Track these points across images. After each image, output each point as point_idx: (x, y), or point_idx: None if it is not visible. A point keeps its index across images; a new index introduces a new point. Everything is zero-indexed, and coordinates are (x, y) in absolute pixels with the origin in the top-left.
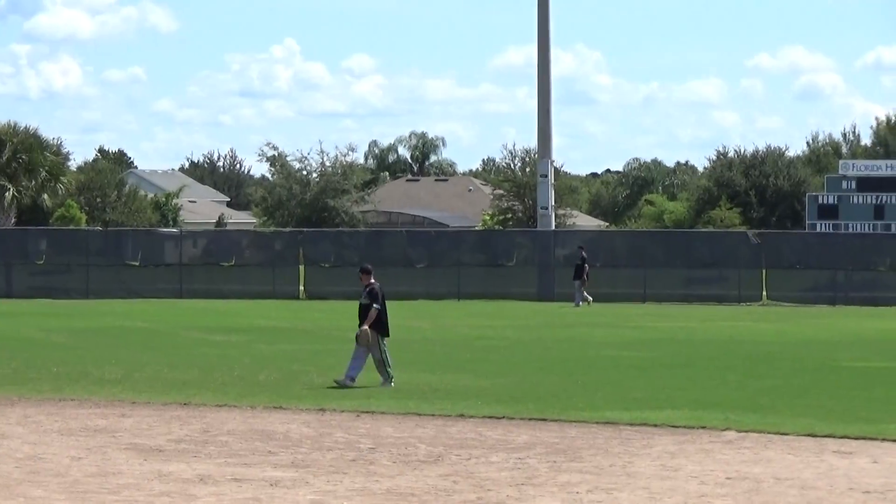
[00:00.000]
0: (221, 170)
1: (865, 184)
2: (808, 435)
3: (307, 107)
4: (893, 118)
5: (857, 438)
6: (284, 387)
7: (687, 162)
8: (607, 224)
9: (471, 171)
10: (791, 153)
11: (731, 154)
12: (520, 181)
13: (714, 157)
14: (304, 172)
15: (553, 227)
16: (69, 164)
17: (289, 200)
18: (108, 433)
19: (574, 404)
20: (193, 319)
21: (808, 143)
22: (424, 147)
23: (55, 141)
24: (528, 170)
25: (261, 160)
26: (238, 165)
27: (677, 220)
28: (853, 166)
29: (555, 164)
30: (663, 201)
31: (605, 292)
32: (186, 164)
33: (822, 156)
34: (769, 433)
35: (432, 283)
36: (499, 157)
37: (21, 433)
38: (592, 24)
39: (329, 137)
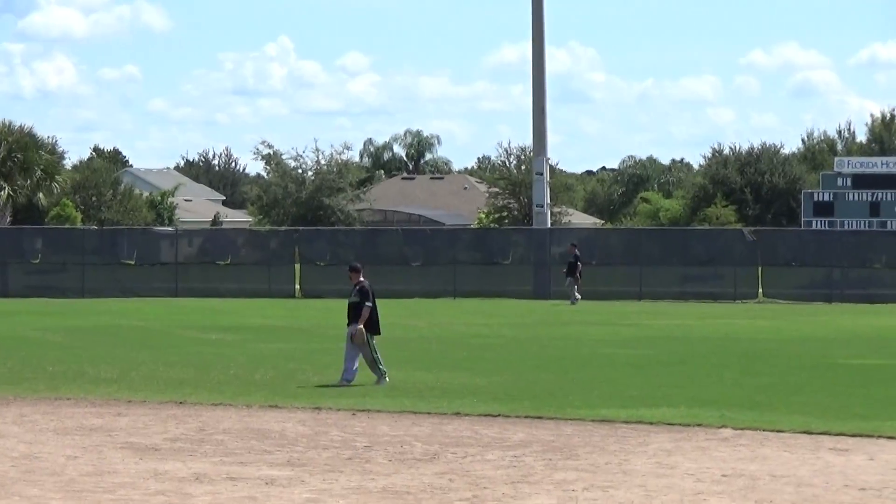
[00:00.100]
0: (217, 168)
1: (861, 181)
2: (804, 432)
3: (302, 105)
4: (888, 115)
5: (853, 436)
6: (280, 385)
7: (682, 159)
8: (603, 222)
9: (466, 169)
10: (786, 150)
11: (726, 151)
12: (515, 179)
13: (709, 155)
14: (300, 171)
15: (549, 225)
16: (64, 162)
17: (284, 199)
18: (104, 432)
19: (570, 402)
20: (189, 318)
21: (803, 140)
22: (420, 145)
23: (50, 140)
24: (523, 168)
25: (256, 158)
26: (233, 164)
27: (673, 217)
28: (848, 163)
29: (550, 161)
30: (659, 199)
31: (600, 290)
32: (181, 163)
33: (818, 153)
34: (765, 430)
35: (428, 282)
36: (494, 154)
37: (17, 432)
38: (587, 22)
39: (324, 136)
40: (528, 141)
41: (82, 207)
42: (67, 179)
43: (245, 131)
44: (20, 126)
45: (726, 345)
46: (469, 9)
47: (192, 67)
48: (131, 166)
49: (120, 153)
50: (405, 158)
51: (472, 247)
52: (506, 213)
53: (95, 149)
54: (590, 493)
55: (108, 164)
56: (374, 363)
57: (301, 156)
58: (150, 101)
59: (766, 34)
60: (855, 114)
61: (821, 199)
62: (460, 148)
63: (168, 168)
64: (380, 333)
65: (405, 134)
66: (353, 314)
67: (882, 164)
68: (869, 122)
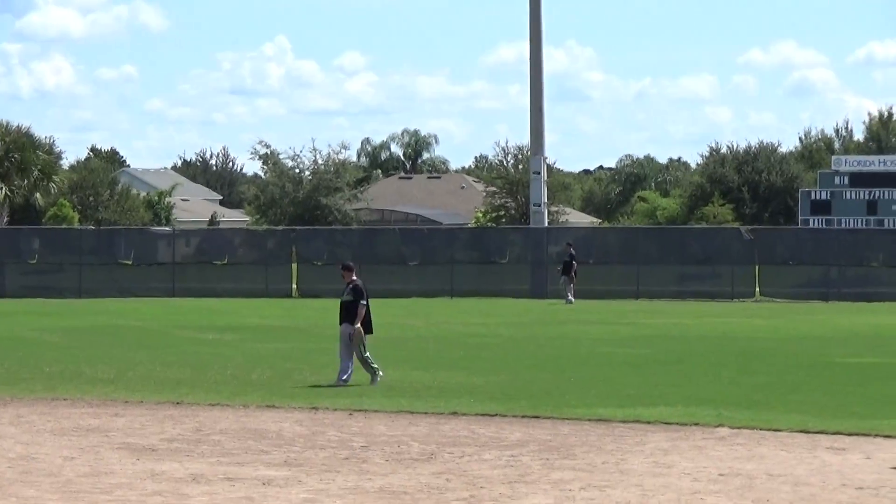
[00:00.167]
0: (214, 168)
1: (858, 179)
2: (801, 431)
3: (299, 105)
4: (886, 113)
5: (850, 434)
6: (277, 385)
7: (679, 158)
8: (600, 221)
9: (463, 168)
10: (784, 149)
11: (723, 150)
12: (512, 178)
13: (707, 154)
14: (297, 170)
15: (546, 224)
16: (61, 163)
17: (281, 198)
18: (101, 433)
19: (567, 401)
20: (186, 318)
21: (800, 138)
22: (417, 144)
23: (47, 140)
24: (520, 167)
25: (253, 158)
26: (230, 163)
27: (670, 216)
28: (846, 162)
29: (547, 160)
30: (656, 198)
31: (598, 289)
32: (179, 163)
33: (815, 151)
34: (762, 429)
35: (425, 281)
36: (491, 154)
37: (13, 433)
38: (584, 21)
39: (321, 135)
40: (525, 140)
41: (79, 207)
42: (65, 179)
43: (242, 131)
44: (17, 126)
45: (723, 344)
46: (467, 8)
47: (189, 67)
48: (128, 166)
49: (117, 153)
50: (402, 158)
51: (470, 246)
52: (503, 213)
53: (93, 149)
54: (587, 492)
55: (106, 164)
56: (365, 362)
57: (298, 155)
58: (148, 100)
59: (764, 33)
60: (852, 112)
61: (818, 197)
62: (458, 147)
63: (165, 168)
64: (372, 332)
65: (402, 133)
66: (347, 313)
67: (879, 162)
68: (866, 120)
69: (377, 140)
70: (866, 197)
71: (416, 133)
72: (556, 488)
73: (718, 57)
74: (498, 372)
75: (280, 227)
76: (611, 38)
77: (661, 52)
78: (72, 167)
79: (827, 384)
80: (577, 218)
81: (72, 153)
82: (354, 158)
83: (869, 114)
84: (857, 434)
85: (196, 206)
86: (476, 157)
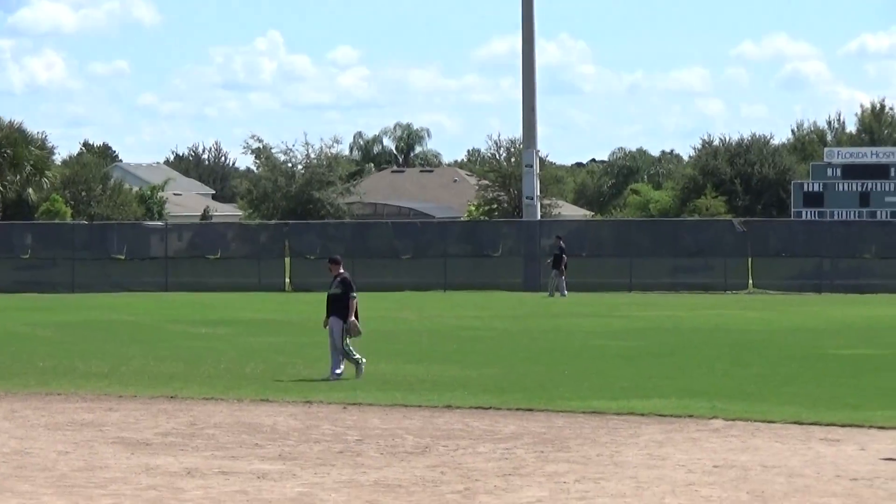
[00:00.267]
0: (206, 162)
1: (850, 171)
2: (795, 423)
3: (292, 99)
4: (878, 105)
5: (844, 426)
6: (271, 379)
7: (672, 151)
8: (593, 213)
9: (456, 161)
10: (776, 141)
11: (716, 142)
12: (505, 171)
13: (699, 146)
14: (289, 164)
15: (538, 217)
16: (54, 158)
17: (274, 193)
18: (95, 427)
19: (561, 394)
20: (179, 312)
21: (792, 130)
22: (409, 138)
23: (40, 135)
24: (513, 160)
25: (245, 153)
26: (223, 158)
27: (663, 208)
28: (838, 154)
29: (540, 153)
30: (648, 190)
31: (591, 282)
32: (171, 157)
33: (807, 144)
34: (756, 421)
35: (418, 274)
36: (484, 147)
37: (7, 428)
38: (577, 14)
39: (314, 129)
40: (517, 133)
41: (72, 202)
42: (57, 174)
43: (235, 125)
44: (10, 121)
45: (717, 336)
46: (459, 2)
47: (181, 62)
48: (121, 161)
49: (109, 148)
50: (395, 151)
51: (462, 239)
52: (496, 206)
53: (85, 144)
54: (581, 484)
55: (98, 158)
56: (348, 356)
57: (291, 150)
58: (140, 95)
59: (756, 25)
60: (845, 104)
61: (811, 189)
62: (450, 141)
63: (158, 163)
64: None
65: (395, 127)
66: (336, 306)
67: (872, 154)
68: (859, 112)
69: (369, 134)
70: (859, 189)
71: (408, 127)
72: (551, 481)
73: (710, 50)
74: (492, 365)
75: (273, 222)
76: (603, 32)
77: (653, 45)
78: (64, 162)
79: (820, 376)
80: (570, 211)
81: (64, 148)
82: (347, 152)
83: (861, 106)
84: (850, 425)
85: (188, 201)
86: (468, 151)
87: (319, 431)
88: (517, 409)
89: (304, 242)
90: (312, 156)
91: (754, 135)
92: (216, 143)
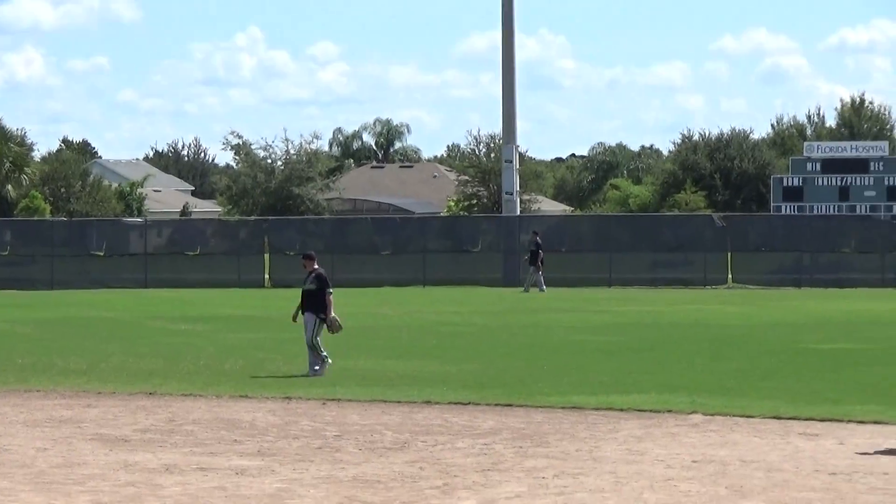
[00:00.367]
0: (186, 159)
1: (830, 165)
2: (774, 417)
3: (271, 95)
4: (858, 99)
5: (822, 420)
6: (250, 375)
7: (652, 146)
8: (572, 209)
9: (436, 157)
10: (756, 136)
11: (695, 137)
12: (485, 167)
13: (679, 141)
14: (269, 160)
15: (518, 213)
16: (33, 154)
17: (253, 189)
18: (74, 424)
19: (540, 389)
20: (158, 309)
21: (772, 125)
22: (389, 134)
23: (19, 132)
24: (492, 155)
25: (225, 149)
26: (202, 154)
27: (642, 203)
28: (818, 148)
29: (519, 149)
30: (628, 185)
31: (570, 277)
32: (151, 154)
33: (787, 138)
34: (735, 416)
35: (398, 270)
36: (463, 142)
37: None
38: (556, 9)
39: (293, 125)
40: (497, 128)
41: (51, 199)
42: (36, 171)
43: (215, 122)
44: None
45: (696, 330)
46: None
47: (161, 58)
48: (100, 157)
49: (89, 144)
50: (374, 147)
51: (442, 235)
52: (475, 201)
53: (64, 140)
54: (560, 480)
55: (77, 155)
56: (314, 347)
57: (270, 145)
58: (120, 91)
59: (736, 20)
60: (824, 99)
61: (790, 184)
62: (430, 136)
63: (137, 159)
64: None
65: (374, 122)
66: (310, 302)
67: (851, 148)
68: (838, 106)
69: (349, 129)
70: (838, 183)
71: (388, 122)
72: (530, 476)
73: (690, 44)
74: (471, 360)
75: (252, 218)
76: (583, 27)
77: (633, 40)
78: (43, 159)
79: (800, 370)
80: (550, 206)
81: (43, 145)
82: (326, 148)
83: (841, 100)
84: (829, 420)
85: (168, 197)
86: (448, 146)
87: (298, 427)
88: (496, 405)
89: (283, 238)
90: (292, 152)
91: (734, 129)
92: (196, 140)
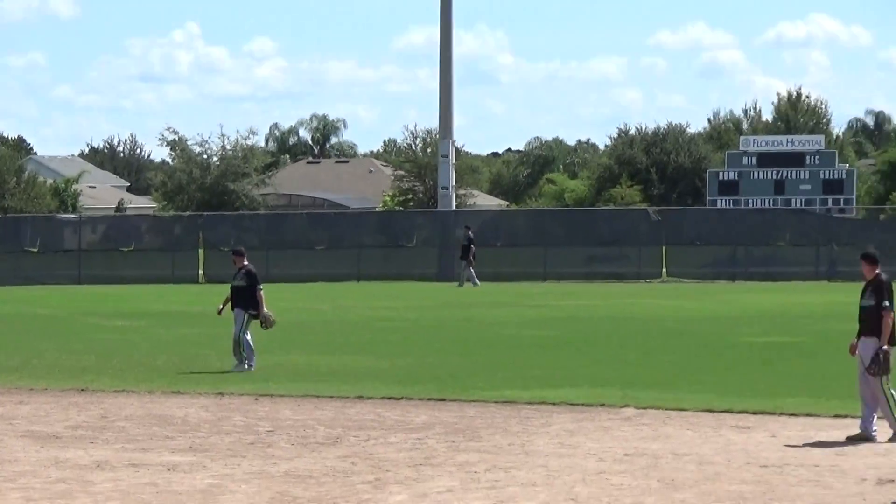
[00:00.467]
0: (122, 155)
1: (766, 159)
2: (707, 410)
3: (208, 90)
4: (794, 93)
5: (755, 413)
6: (183, 371)
7: (588, 140)
8: (508, 203)
9: (372, 152)
10: (692, 130)
11: (632, 132)
12: (421, 162)
13: (615, 135)
14: (205, 156)
15: (453, 208)
16: None
17: (189, 184)
18: (5, 420)
19: (473, 384)
20: (92, 305)
21: (709, 119)
22: (325, 129)
23: None
24: (429, 150)
25: (161, 145)
26: (138, 150)
27: (578, 198)
28: (754, 142)
29: (456, 144)
30: (564, 180)
31: (505, 271)
32: (86, 150)
33: (724, 132)
34: (668, 409)
35: (332, 265)
36: (400, 138)
37: None
38: (495, 4)
39: (230, 121)
40: (434, 124)
41: None
42: None
43: (151, 118)
44: None
45: (630, 324)
46: None
47: (97, 54)
48: (35, 154)
49: (24, 141)
50: (311, 142)
51: (377, 230)
52: (411, 196)
53: None
54: (492, 474)
55: (12, 151)
56: (239, 343)
57: (206, 141)
58: (56, 88)
59: (674, 14)
60: (761, 93)
61: (726, 177)
62: (367, 131)
63: (73, 155)
64: (257, 318)
65: (311, 118)
66: (241, 298)
67: (787, 142)
68: (775, 101)
69: (286, 125)
70: (774, 177)
71: (324, 118)
72: (462, 470)
73: (628, 39)
74: (404, 355)
75: (187, 213)
76: (521, 21)
77: (571, 35)
78: None
79: (733, 363)
80: (485, 201)
81: None
82: (263, 144)
83: (778, 94)
84: (762, 413)
85: (103, 194)
86: (385, 141)
87: (231, 423)
88: (429, 400)
89: (218, 234)
90: (228, 147)
91: (671, 124)
92: (132, 136)
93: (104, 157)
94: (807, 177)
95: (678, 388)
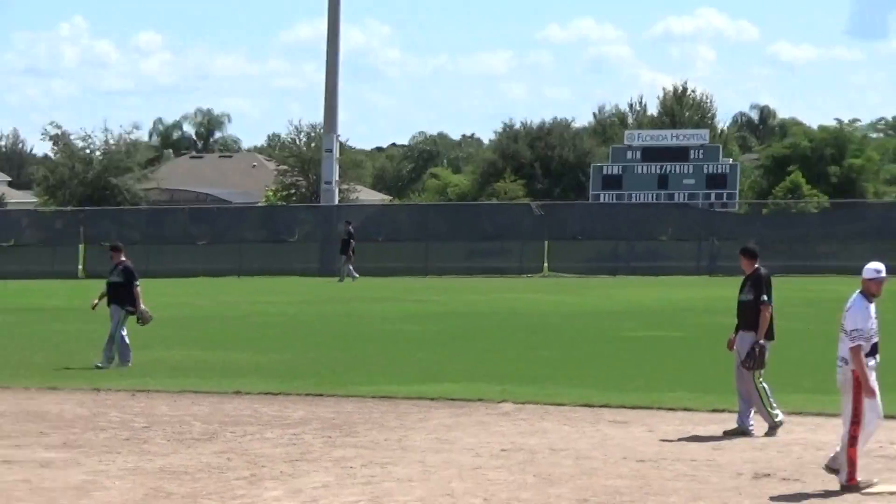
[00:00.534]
0: (3, 150)
1: (650, 154)
2: (585, 405)
3: (93, 84)
4: (680, 88)
5: (633, 408)
6: (59, 367)
7: (473, 135)
8: (391, 198)
9: (256, 147)
10: (578, 124)
11: (517, 126)
12: (305, 156)
13: (500, 130)
14: (88, 151)
15: (336, 202)
16: None
17: (71, 179)
18: None
19: (352, 379)
20: None
21: (594, 114)
22: (209, 123)
23: None
24: (313, 145)
25: (44, 139)
26: (20, 145)
27: (461, 193)
28: (638, 136)
29: (340, 138)
30: (448, 174)
31: (388, 266)
32: None
33: (609, 127)
34: (546, 404)
35: (214, 260)
36: (284, 132)
37: None
38: None
39: (115, 115)
40: (319, 118)
41: None
42: None
43: (35, 112)
44: None
45: (511, 319)
46: None
47: None
48: None
49: None
50: (195, 137)
51: (259, 225)
52: (294, 191)
53: None
54: (368, 469)
55: None
56: (113, 340)
57: (90, 136)
58: None
59: (562, 9)
60: (647, 88)
61: (610, 172)
62: (252, 126)
63: None
64: (135, 314)
65: (195, 113)
66: (117, 294)
67: (672, 136)
68: (661, 95)
69: (170, 119)
70: (658, 171)
71: (209, 112)
72: (338, 466)
73: (515, 33)
74: (283, 350)
75: (68, 208)
76: (408, 16)
77: (459, 29)
78: None
79: (612, 358)
80: (369, 195)
81: None
82: (146, 138)
83: (664, 89)
84: (639, 407)
85: None
86: (269, 136)
87: (106, 419)
88: (307, 395)
89: (99, 229)
90: (111, 142)
91: (556, 118)
92: (14, 130)
93: None
94: (691, 171)
95: (557, 383)
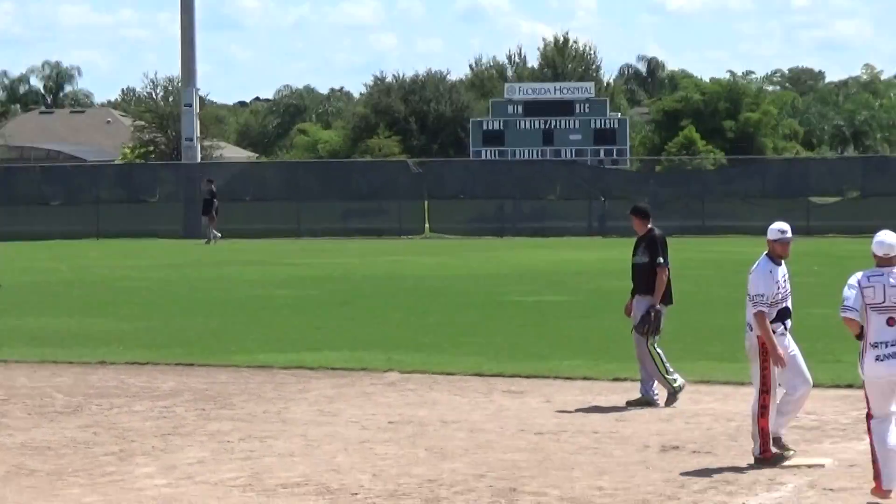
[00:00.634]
0: None
1: (532, 108)
2: (476, 375)
3: None
4: (562, 39)
5: (528, 377)
6: None
7: (342, 88)
8: (257, 155)
9: (109, 101)
10: (454, 77)
11: (389, 79)
12: (162, 111)
13: (371, 83)
14: None
15: (199, 160)
16: None
17: None
18: None
19: (224, 347)
20: None
21: (471, 66)
22: (59, 77)
23: None
24: (171, 99)
25: None
26: None
27: (332, 149)
28: (519, 90)
29: (200, 92)
30: (317, 130)
31: (256, 228)
32: None
33: (487, 79)
34: (434, 373)
35: (69, 222)
36: (140, 86)
37: None
38: None
39: None
40: (176, 71)
41: None
42: None
43: None
44: None
45: (391, 283)
46: None
47: None
48: None
49: None
50: (43, 91)
51: (117, 184)
52: (153, 148)
53: None
54: (247, 443)
55: None
56: None
57: None
58: None
59: None
60: (527, 38)
61: (490, 127)
62: (103, 79)
63: None
64: None
65: (43, 66)
66: None
67: (555, 90)
68: (541, 46)
69: (16, 73)
70: (542, 126)
71: (57, 65)
72: (214, 440)
73: None
74: (149, 318)
75: None
76: None
77: None
78: None
79: (503, 324)
80: (233, 153)
81: None
82: None
83: (544, 39)
84: (535, 377)
85: None
86: (123, 90)
87: None
88: (176, 365)
89: None
90: None
91: (430, 71)
92: None
93: None
94: (577, 126)
95: (445, 351)
